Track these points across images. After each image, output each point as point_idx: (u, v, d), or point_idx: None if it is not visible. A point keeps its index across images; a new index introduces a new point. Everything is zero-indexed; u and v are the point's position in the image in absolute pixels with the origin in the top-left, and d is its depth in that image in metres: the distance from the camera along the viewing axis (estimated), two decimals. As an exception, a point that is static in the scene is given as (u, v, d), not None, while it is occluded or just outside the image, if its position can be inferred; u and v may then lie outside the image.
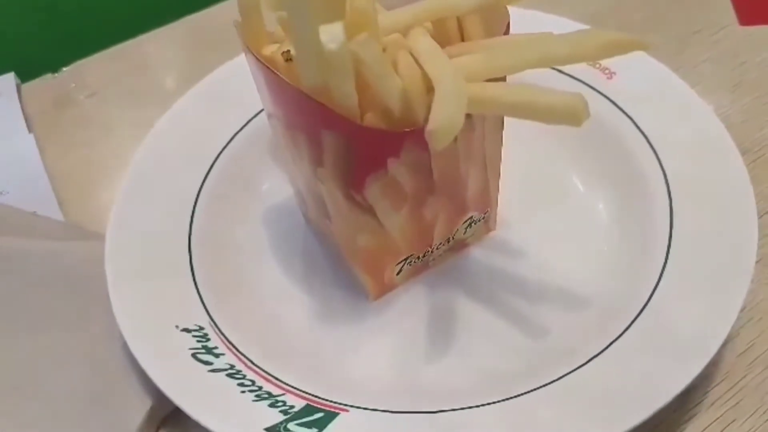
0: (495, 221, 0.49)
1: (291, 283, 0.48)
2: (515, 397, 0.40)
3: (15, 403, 0.43)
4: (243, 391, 0.40)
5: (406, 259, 0.46)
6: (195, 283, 0.46)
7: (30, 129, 0.59)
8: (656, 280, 0.43)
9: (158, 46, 0.67)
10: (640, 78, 0.52)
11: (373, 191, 0.41)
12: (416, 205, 0.43)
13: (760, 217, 0.48)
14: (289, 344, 0.45)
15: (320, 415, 0.39)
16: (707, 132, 0.49)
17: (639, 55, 0.52)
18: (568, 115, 0.35)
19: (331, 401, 0.40)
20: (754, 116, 0.56)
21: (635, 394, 0.39)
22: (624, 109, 0.52)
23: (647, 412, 0.37)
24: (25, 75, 0.65)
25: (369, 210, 0.42)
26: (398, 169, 0.40)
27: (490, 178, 0.46)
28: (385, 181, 0.40)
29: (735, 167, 0.47)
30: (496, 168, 0.46)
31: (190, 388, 0.40)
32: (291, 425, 0.39)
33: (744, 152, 0.50)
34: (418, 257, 0.46)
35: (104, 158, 0.58)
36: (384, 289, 0.47)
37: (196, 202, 0.50)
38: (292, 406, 0.40)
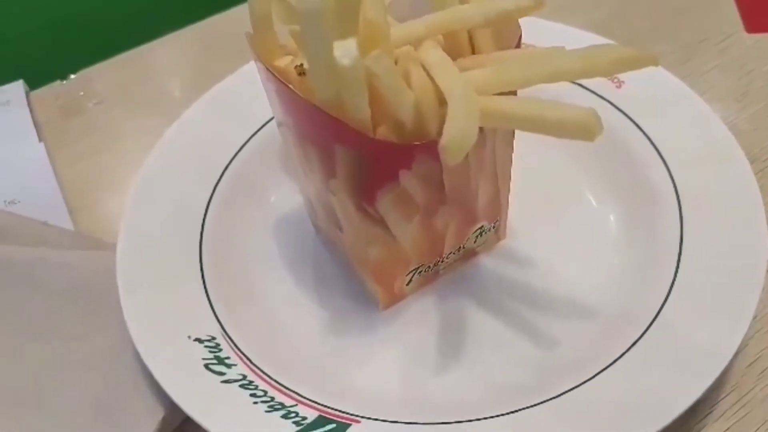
0: (505, 230, 0.49)
1: (301, 293, 0.48)
2: (524, 409, 0.40)
3: (23, 413, 0.43)
4: (255, 402, 0.41)
5: (416, 269, 0.46)
6: (206, 293, 0.46)
7: (40, 137, 0.60)
8: (666, 293, 0.43)
9: (165, 53, 0.68)
10: (649, 87, 0.52)
11: (384, 203, 0.41)
12: (427, 216, 0.43)
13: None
14: (300, 354, 0.45)
15: (332, 426, 0.40)
16: (716, 142, 0.50)
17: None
18: (581, 130, 0.35)
19: (343, 412, 0.41)
20: (762, 125, 0.56)
21: (644, 408, 0.39)
22: (633, 118, 0.52)
23: (656, 426, 0.38)
24: (34, 82, 0.65)
25: (380, 221, 0.42)
26: (410, 181, 0.40)
27: (500, 189, 0.46)
28: (396, 193, 0.41)
29: (744, 178, 0.47)
30: (507, 178, 0.46)
31: (202, 399, 0.41)
32: (304, 437, 0.39)
33: (752, 161, 0.50)
34: (429, 267, 0.47)
35: (113, 165, 0.59)
36: (394, 298, 0.47)
37: (206, 212, 0.50)
38: (304, 418, 0.40)
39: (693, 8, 0.65)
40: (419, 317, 0.47)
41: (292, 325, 0.47)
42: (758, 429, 0.42)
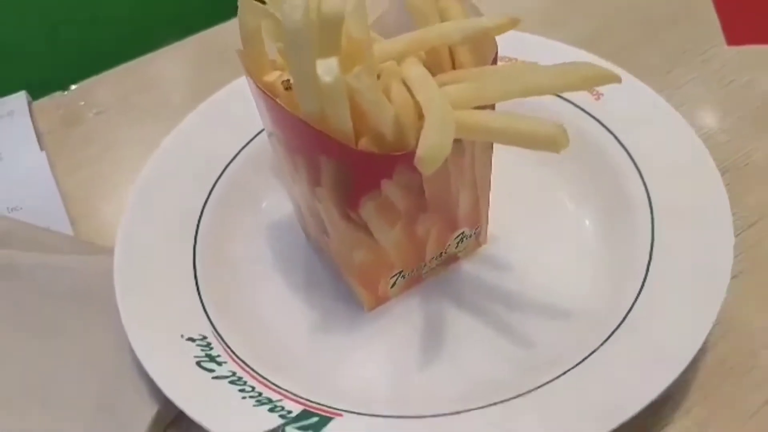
0: (485, 236, 0.52)
1: (290, 295, 0.50)
2: (499, 402, 0.42)
3: (26, 408, 0.46)
4: (244, 397, 0.43)
5: (399, 273, 0.48)
6: (199, 294, 0.48)
7: (42, 147, 0.62)
8: (636, 295, 0.45)
9: (165, 64, 0.70)
10: (626, 100, 0.54)
11: (367, 210, 0.43)
12: (409, 223, 0.45)
13: (741, 233, 0.50)
14: (287, 352, 0.47)
15: (316, 419, 0.42)
16: (690, 154, 0.52)
17: (626, 77, 0.55)
18: (550, 142, 0.37)
19: (326, 406, 0.43)
20: (738, 136, 0.58)
21: (612, 401, 0.41)
22: (611, 129, 0.54)
23: (622, 417, 0.40)
24: (36, 93, 0.67)
25: (364, 227, 0.44)
26: (391, 189, 0.43)
27: (480, 197, 0.48)
28: (379, 201, 0.43)
29: (715, 190, 0.49)
30: (486, 186, 0.49)
31: (194, 395, 0.43)
32: (288, 429, 0.41)
33: (726, 170, 0.52)
34: (412, 271, 0.49)
35: (112, 174, 0.61)
36: (379, 301, 0.49)
37: (200, 218, 0.52)
38: (290, 411, 0.42)
39: (676, 21, 0.67)
40: (403, 318, 0.49)
41: (281, 324, 0.49)
42: (724, 424, 0.44)
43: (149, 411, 0.44)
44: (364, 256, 0.46)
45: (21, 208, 0.57)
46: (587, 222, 0.52)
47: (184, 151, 0.55)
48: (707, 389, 0.45)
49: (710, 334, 0.46)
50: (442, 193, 0.45)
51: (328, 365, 0.47)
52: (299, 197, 0.49)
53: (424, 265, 0.49)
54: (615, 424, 0.40)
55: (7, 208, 0.56)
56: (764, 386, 0.45)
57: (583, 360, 0.43)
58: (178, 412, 0.45)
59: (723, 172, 0.51)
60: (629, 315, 0.45)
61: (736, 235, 0.47)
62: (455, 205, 0.47)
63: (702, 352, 0.46)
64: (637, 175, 0.52)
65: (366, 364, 0.47)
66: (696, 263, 0.46)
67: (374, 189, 0.42)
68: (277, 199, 0.55)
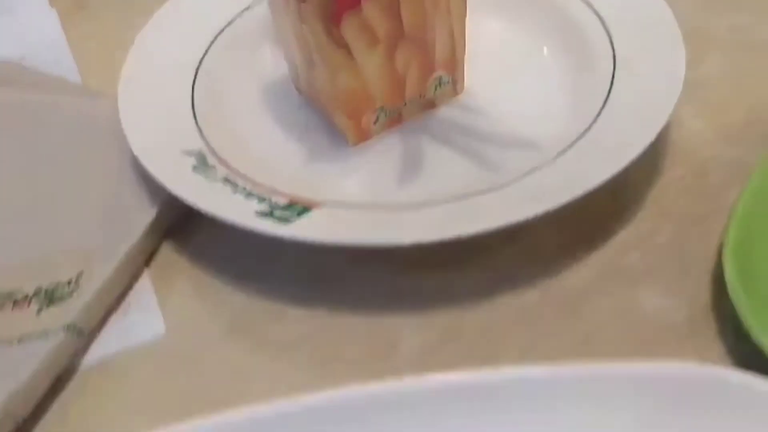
0: (462, 86, 0.56)
1: (281, 132, 0.54)
2: (469, 195, 0.47)
3: (35, 217, 0.50)
4: (236, 193, 0.47)
5: (381, 109, 0.52)
6: (197, 123, 0.52)
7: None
8: (595, 115, 0.50)
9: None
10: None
11: (349, 27, 0.48)
12: (389, 48, 0.50)
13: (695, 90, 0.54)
14: (275, 177, 0.50)
15: (300, 208, 0.46)
16: (655, 15, 0.56)
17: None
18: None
19: (311, 200, 0.47)
20: (702, 14, 0.61)
21: (564, 185, 0.45)
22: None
23: (570, 196, 0.44)
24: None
25: (346, 48, 0.49)
26: (371, 8, 0.47)
27: (456, 42, 0.53)
28: (359, 19, 0.47)
29: (675, 46, 0.53)
30: (461, 31, 0.53)
31: (192, 190, 0.47)
32: (276, 212, 0.46)
33: (688, 38, 0.56)
34: (392, 110, 0.53)
35: (120, 40, 0.61)
36: (362, 135, 0.53)
37: (198, 67, 0.56)
38: (277, 202, 0.47)
39: None
40: (385, 152, 0.53)
41: (271, 155, 0.53)
42: (677, 228, 0.49)
43: (148, 214, 0.49)
44: (347, 81, 0.50)
45: (30, 58, 0.60)
46: (555, 70, 0.56)
47: (187, 11, 0.59)
48: (665, 202, 0.50)
49: (667, 159, 0.51)
50: (418, 23, 0.50)
51: (314, 184, 0.51)
52: (291, 41, 0.52)
53: (404, 105, 0.53)
54: (563, 201, 0.44)
55: (18, 58, 0.60)
56: (714, 198, 0.49)
57: (540, 166, 0.48)
58: (173, 220, 0.50)
59: (686, 42, 0.54)
60: (589, 130, 0.49)
61: (689, 91, 0.51)
62: (432, 41, 0.51)
63: (659, 172, 0.51)
64: (604, 31, 0.56)
65: (349, 183, 0.52)
66: (651, 94, 0.50)
67: (355, 6, 0.47)
68: (274, 58, 0.58)
